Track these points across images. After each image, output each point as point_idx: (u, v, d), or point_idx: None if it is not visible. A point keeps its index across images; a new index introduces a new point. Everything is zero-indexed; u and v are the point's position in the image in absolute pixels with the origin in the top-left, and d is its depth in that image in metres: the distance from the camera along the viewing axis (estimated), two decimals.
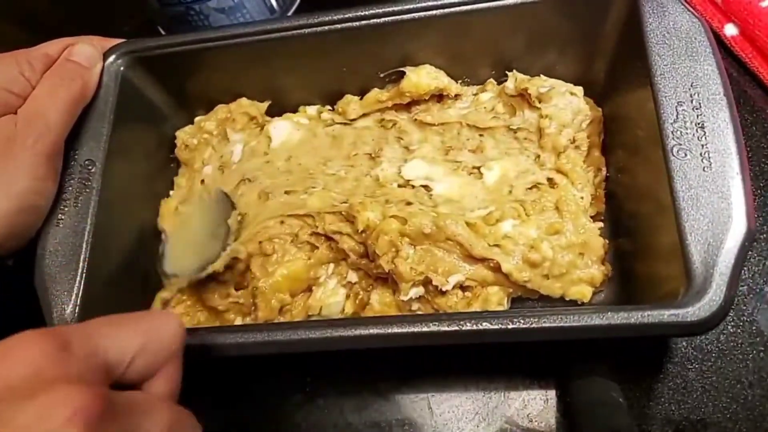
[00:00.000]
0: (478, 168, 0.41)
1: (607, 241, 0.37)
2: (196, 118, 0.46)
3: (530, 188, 0.39)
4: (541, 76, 0.41)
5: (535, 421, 0.36)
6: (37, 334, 0.23)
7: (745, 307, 0.37)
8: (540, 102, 0.40)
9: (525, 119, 0.41)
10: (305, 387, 0.39)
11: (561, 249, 0.36)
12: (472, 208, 0.39)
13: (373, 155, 0.43)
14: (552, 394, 0.36)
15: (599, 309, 0.30)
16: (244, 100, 0.45)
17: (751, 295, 0.37)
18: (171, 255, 0.41)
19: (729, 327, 0.36)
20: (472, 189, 0.40)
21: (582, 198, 0.38)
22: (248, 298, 0.40)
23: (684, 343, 0.36)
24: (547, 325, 0.29)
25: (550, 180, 0.39)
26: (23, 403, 0.21)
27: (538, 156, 0.40)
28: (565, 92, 0.41)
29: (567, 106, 0.40)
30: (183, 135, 0.45)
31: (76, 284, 0.35)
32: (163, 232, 0.43)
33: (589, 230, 0.37)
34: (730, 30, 0.45)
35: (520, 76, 0.42)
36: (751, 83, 0.44)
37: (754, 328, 0.36)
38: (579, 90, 0.41)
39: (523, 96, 0.41)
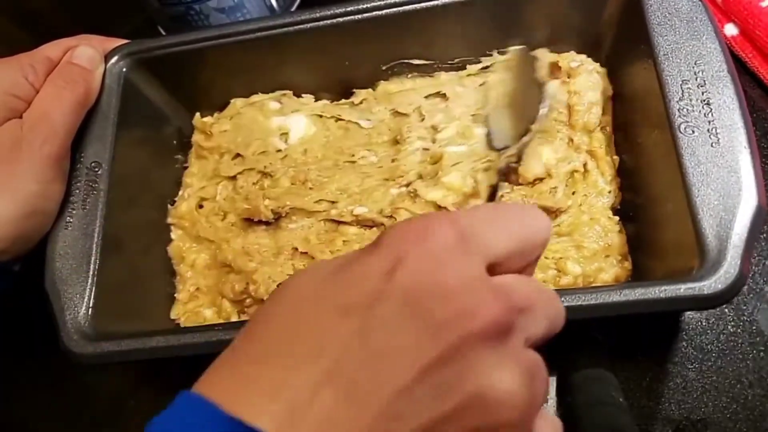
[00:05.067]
0: None
1: (625, 235, 0.37)
2: (208, 118, 0.46)
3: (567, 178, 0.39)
4: (572, 52, 0.41)
5: None
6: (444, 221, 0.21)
7: (745, 307, 0.37)
8: (569, 77, 0.40)
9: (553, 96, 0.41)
10: None
11: (587, 260, 0.36)
12: None
13: (398, 139, 0.42)
14: (552, 393, 0.36)
15: (615, 286, 0.30)
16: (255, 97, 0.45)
17: (751, 295, 0.37)
18: (496, 130, 0.40)
19: (729, 327, 0.37)
20: None
21: (609, 192, 0.38)
22: None
23: (684, 343, 0.37)
24: (564, 303, 0.28)
25: (584, 166, 0.39)
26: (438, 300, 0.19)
27: (571, 140, 0.40)
28: (592, 70, 0.40)
29: (595, 84, 0.40)
30: (198, 122, 0.45)
31: (88, 286, 0.35)
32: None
33: (611, 230, 0.37)
34: (730, 30, 0.44)
35: (549, 54, 0.41)
36: (751, 83, 0.43)
37: (754, 328, 0.36)
38: (603, 70, 0.41)
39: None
